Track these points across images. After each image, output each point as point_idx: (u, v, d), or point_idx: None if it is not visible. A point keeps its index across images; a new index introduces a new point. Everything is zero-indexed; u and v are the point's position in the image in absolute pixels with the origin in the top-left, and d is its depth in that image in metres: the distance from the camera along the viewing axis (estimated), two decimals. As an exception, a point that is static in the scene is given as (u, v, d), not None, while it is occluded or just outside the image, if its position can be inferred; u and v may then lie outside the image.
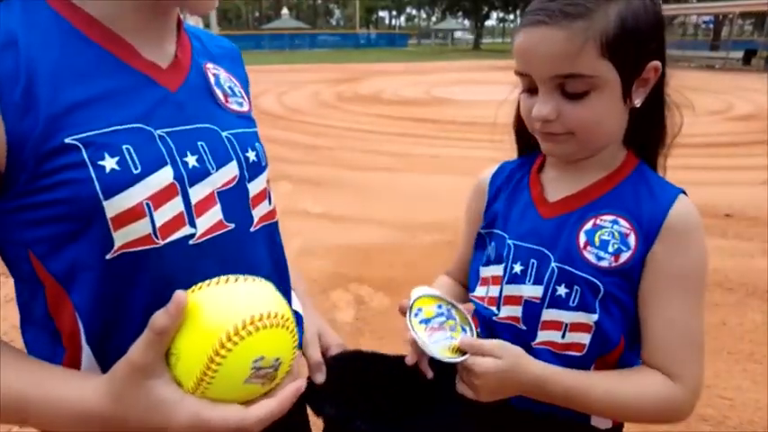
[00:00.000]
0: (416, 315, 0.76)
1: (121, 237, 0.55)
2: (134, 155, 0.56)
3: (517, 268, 0.81)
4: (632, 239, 0.75)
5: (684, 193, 0.77)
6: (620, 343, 0.78)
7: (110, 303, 0.57)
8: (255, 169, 0.69)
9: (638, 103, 0.75)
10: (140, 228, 0.55)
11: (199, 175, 0.61)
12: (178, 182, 0.58)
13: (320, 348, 0.80)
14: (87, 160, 0.53)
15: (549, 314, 0.78)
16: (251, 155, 0.68)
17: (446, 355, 0.71)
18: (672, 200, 0.75)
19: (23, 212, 0.54)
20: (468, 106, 10.36)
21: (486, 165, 0.95)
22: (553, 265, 0.78)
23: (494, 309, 0.83)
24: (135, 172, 0.55)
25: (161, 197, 0.57)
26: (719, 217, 4.20)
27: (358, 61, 25.26)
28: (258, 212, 0.69)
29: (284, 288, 0.77)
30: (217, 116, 0.67)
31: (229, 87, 0.72)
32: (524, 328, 0.80)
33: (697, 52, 25.57)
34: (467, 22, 66.61)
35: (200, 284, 0.53)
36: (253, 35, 44.56)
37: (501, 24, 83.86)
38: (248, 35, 44.11)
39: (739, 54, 23.14)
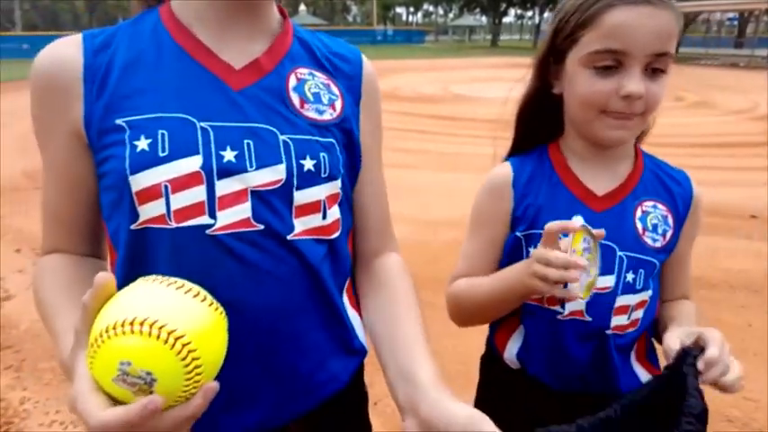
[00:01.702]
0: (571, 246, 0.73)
1: (144, 212, 0.62)
2: (167, 140, 0.61)
3: None
4: (670, 219, 0.88)
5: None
6: (656, 308, 0.88)
7: (135, 271, 0.59)
8: (310, 178, 0.67)
9: None
10: (157, 207, 0.61)
11: (232, 169, 0.63)
12: (205, 172, 0.62)
13: None
14: (127, 139, 0.61)
15: (620, 300, 0.84)
16: (307, 163, 0.67)
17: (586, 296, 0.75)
18: (689, 181, 0.91)
19: (99, 179, 0.66)
20: (486, 103, 10.28)
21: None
22: (620, 254, 0.83)
23: (557, 308, 0.85)
24: (161, 155, 0.61)
25: (182, 182, 0.61)
26: (745, 218, 4.13)
27: (375, 58, 25.17)
28: (303, 223, 0.68)
29: (317, 314, 0.72)
30: (280, 120, 0.67)
31: (314, 94, 0.71)
32: (589, 319, 0.84)
33: (721, 50, 25.03)
34: (484, 19, 66.06)
35: (152, 277, 0.52)
36: (271, 32, 44.35)
37: (519, 21, 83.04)
38: (266, 32, 43.93)
39: (764, 52, 22.54)
